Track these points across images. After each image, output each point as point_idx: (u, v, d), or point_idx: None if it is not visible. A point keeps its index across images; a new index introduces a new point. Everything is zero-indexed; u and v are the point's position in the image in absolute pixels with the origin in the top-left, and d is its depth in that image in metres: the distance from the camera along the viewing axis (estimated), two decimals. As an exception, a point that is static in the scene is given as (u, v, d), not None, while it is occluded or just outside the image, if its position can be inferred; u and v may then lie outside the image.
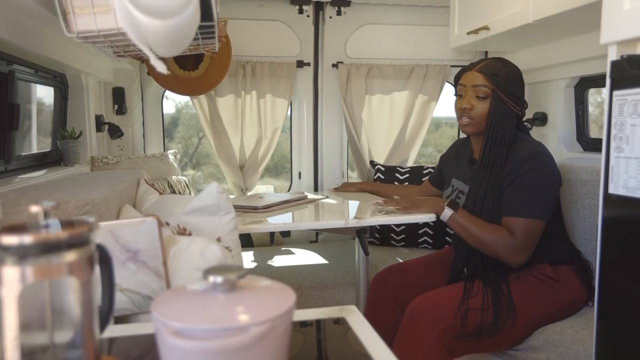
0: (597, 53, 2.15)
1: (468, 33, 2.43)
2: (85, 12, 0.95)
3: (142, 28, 0.74)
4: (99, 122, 2.53)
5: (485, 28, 2.29)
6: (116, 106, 2.70)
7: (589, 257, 1.87)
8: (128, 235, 0.91)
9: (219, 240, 1.23)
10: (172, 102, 3.20)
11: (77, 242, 0.56)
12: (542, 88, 2.66)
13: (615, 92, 1.22)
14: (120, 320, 1.00)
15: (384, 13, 2.98)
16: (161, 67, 0.78)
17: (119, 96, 2.70)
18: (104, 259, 0.64)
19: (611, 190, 1.24)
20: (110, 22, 0.95)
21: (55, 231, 0.55)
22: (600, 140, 1.28)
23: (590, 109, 2.56)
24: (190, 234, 1.20)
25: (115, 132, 2.56)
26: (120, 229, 0.89)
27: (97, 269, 0.62)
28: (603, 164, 1.26)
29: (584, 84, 2.49)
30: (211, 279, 0.60)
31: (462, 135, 2.23)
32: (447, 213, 1.73)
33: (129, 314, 0.99)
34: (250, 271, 2.52)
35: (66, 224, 0.58)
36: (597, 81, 2.42)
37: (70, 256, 0.55)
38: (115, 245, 0.89)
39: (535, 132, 2.68)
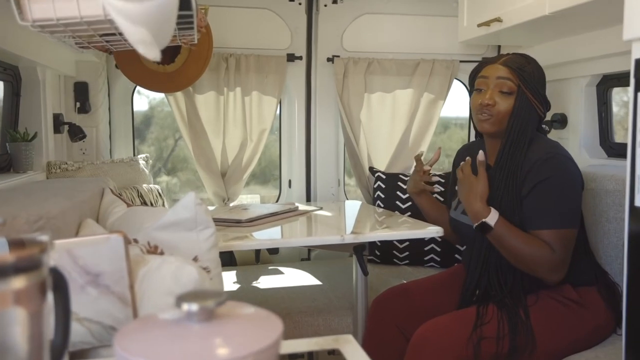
0: (622, 49, 2.16)
1: (478, 25, 2.43)
2: (43, -3, 0.93)
3: (119, 13, 0.72)
4: (58, 122, 2.50)
5: (498, 20, 2.30)
6: (78, 104, 2.67)
7: (616, 277, 1.86)
8: (88, 255, 0.89)
9: (195, 259, 1.21)
10: (145, 98, 3.18)
11: (26, 266, 0.54)
12: (560, 87, 2.67)
13: (640, 94, 1.22)
14: (77, 355, 0.98)
15: (386, 1, 2.99)
16: (154, 53, 0.76)
17: (81, 92, 2.68)
18: (59, 284, 0.62)
19: (638, 203, 1.23)
20: (72, 9, 0.94)
21: (-1, 253, 0.53)
22: (626, 145, 1.28)
23: (615, 109, 2.57)
24: (162, 253, 1.19)
25: (76, 133, 2.54)
26: (79, 248, 0.88)
27: (50, 296, 0.60)
28: (628, 173, 1.25)
29: (607, 83, 2.50)
30: (185, 306, 0.60)
31: (472, 138, 2.21)
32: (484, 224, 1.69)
33: (88, 348, 0.97)
34: (232, 295, 2.50)
35: (15, 244, 0.57)
36: (621, 80, 2.43)
37: (18, 283, 0.54)
38: (72, 266, 0.87)
39: (554, 136, 2.69)
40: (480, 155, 1.74)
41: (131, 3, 0.63)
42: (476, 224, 1.69)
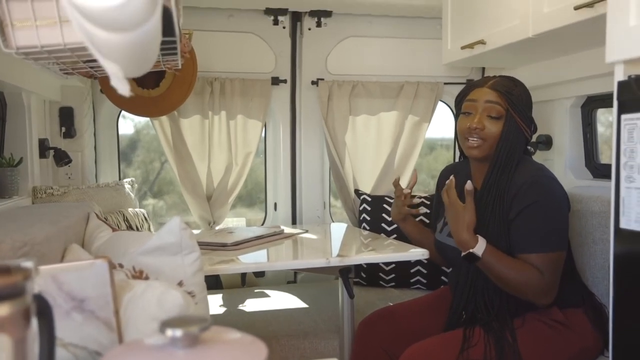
0: (605, 70, 2.20)
1: (462, 48, 2.47)
2: (27, 26, 0.94)
3: (98, 43, 0.74)
4: (43, 147, 2.49)
5: (481, 42, 2.33)
6: (64, 128, 2.67)
7: (603, 298, 1.87)
8: (73, 281, 0.89)
9: (180, 284, 1.21)
10: (131, 121, 3.19)
11: (10, 293, 0.55)
12: (545, 108, 2.71)
13: (623, 116, 1.24)
14: (63, 380, 0.97)
15: (369, 24, 3.03)
16: (123, 89, 0.77)
17: (67, 117, 2.67)
18: (43, 310, 0.62)
19: (623, 225, 1.25)
20: (56, 36, 0.95)
21: (-17, 280, 0.54)
22: (611, 165, 1.30)
23: (601, 129, 2.58)
24: (147, 278, 1.19)
25: (62, 158, 2.53)
26: (64, 274, 0.88)
27: (34, 323, 0.60)
28: (613, 195, 1.27)
29: (592, 104, 2.53)
30: (169, 332, 0.60)
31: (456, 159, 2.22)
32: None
33: (73, 373, 0.96)
34: (218, 318, 2.47)
35: (-1, 270, 0.56)
36: (605, 101, 2.46)
37: (1, 310, 0.54)
38: (57, 292, 0.87)
39: (540, 157, 2.72)
40: (469, 184, 1.70)
41: (108, 33, 0.64)
42: (464, 254, 1.68)
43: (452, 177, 1.78)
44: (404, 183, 2.01)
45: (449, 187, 1.75)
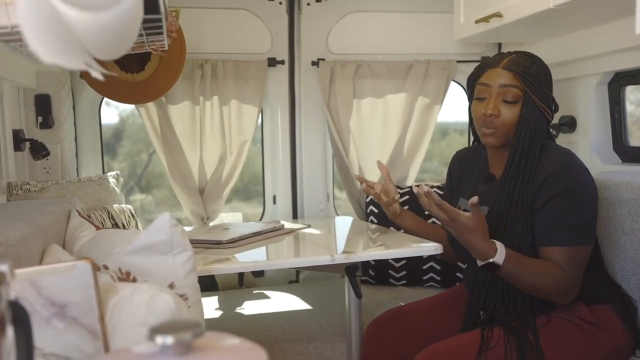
0: (636, 43, 2.18)
1: (476, 21, 2.46)
2: (-5, 3, 0.93)
3: (70, 24, 0.73)
4: (18, 139, 2.49)
5: (497, 15, 2.32)
6: (40, 118, 2.66)
7: (634, 294, 1.87)
8: (53, 285, 0.89)
9: (171, 286, 1.21)
10: (115, 109, 3.18)
11: (-18, 300, 0.54)
12: (568, 86, 2.70)
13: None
14: (44, 393, 0.97)
15: (374, -2, 3.02)
16: (96, 73, 0.77)
17: (43, 105, 2.66)
18: (20, 318, 0.62)
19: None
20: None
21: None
22: (640, 149, 1.29)
23: (631, 108, 2.58)
24: (134, 280, 1.19)
25: (39, 150, 2.52)
26: (43, 278, 0.88)
27: (10, 332, 0.60)
28: None
29: (620, 80, 2.52)
30: (159, 339, 0.60)
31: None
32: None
33: (56, 385, 0.96)
34: (214, 323, 2.48)
35: (-30, 276, 0.56)
36: (635, 77, 2.45)
37: (-27, 319, 0.54)
38: (36, 298, 0.87)
39: (563, 140, 2.71)
40: (474, 199, 1.60)
41: (81, 12, 0.63)
42: (482, 264, 1.65)
43: (424, 188, 1.63)
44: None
45: (438, 202, 1.61)
